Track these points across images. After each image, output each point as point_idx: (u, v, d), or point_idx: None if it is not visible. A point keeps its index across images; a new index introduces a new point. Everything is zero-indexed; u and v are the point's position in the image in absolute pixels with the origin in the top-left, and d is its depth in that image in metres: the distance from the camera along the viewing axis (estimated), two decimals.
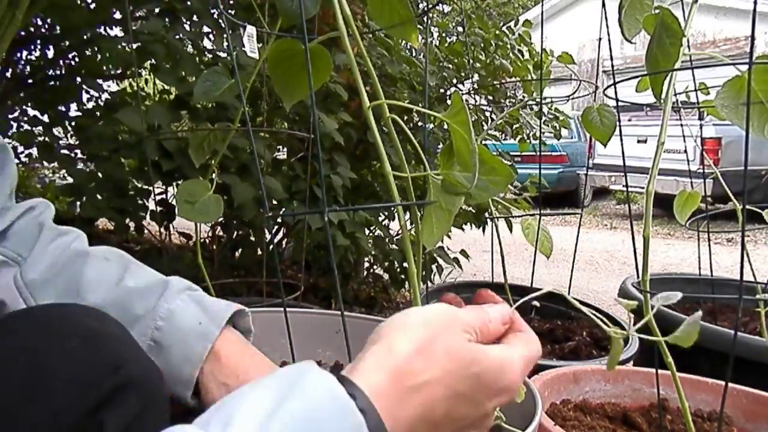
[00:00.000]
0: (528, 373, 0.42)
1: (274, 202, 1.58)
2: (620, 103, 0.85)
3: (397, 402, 0.33)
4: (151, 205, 1.57)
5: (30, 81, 2.14)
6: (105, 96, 2.52)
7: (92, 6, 1.91)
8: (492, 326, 0.42)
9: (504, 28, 2.07)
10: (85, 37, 2.06)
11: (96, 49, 1.94)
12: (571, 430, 0.82)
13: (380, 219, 2.07)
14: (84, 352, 0.44)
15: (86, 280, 0.59)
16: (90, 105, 2.55)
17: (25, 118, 2.39)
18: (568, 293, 1.50)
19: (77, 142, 1.84)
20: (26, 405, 0.28)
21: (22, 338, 0.44)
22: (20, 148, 2.26)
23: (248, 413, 0.29)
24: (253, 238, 1.91)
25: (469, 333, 0.39)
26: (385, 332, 0.37)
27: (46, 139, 2.10)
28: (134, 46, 1.34)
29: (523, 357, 0.41)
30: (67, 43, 2.10)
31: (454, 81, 2.07)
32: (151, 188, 1.45)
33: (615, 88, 0.81)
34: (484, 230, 2.03)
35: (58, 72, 2.15)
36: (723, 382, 0.67)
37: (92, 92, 2.52)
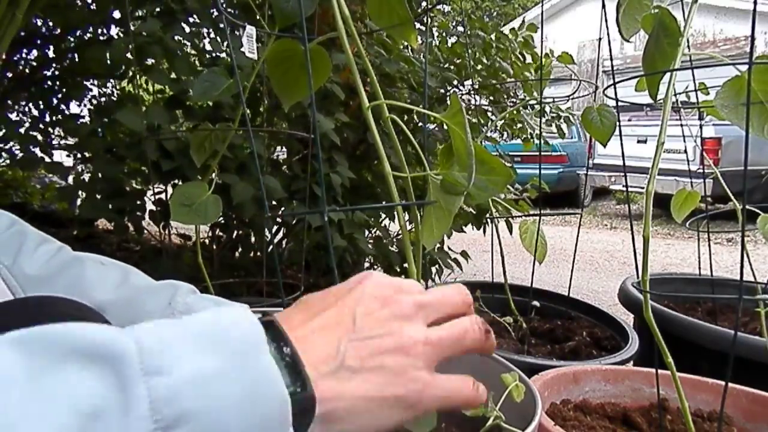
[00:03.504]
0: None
1: (274, 201, 1.58)
2: (620, 103, 0.85)
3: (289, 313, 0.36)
4: (151, 206, 1.57)
5: (30, 81, 2.14)
6: (104, 96, 2.52)
7: (92, 6, 1.91)
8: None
9: (507, 31, 2.07)
10: (85, 37, 2.06)
11: (94, 50, 1.94)
12: (571, 430, 0.82)
13: (380, 219, 2.07)
14: None
15: (89, 280, 0.57)
16: (90, 105, 2.56)
17: (25, 118, 2.39)
18: (568, 293, 1.50)
19: (76, 142, 1.84)
20: None
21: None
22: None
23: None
24: (252, 238, 1.91)
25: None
26: None
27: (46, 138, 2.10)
28: (131, 46, 1.34)
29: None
30: (67, 43, 2.11)
31: (455, 82, 2.07)
32: (150, 188, 1.45)
33: (615, 88, 0.81)
34: (484, 231, 2.03)
35: (58, 72, 2.15)
36: (723, 382, 0.67)
37: (92, 92, 2.52)
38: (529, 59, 2.08)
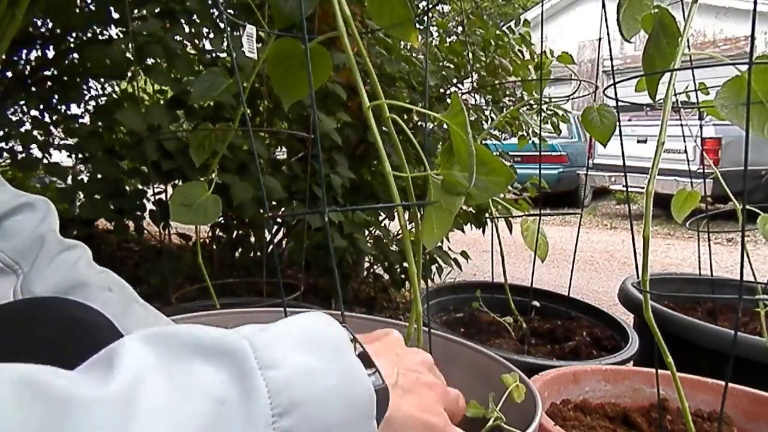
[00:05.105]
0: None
1: (274, 202, 1.58)
2: (620, 103, 0.85)
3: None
4: (151, 206, 1.57)
5: (30, 81, 2.14)
6: (104, 96, 2.52)
7: (92, 6, 1.91)
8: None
9: (504, 28, 2.07)
10: (85, 38, 2.06)
11: (94, 50, 1.93)
12: (571, 430, 0.82)
13: (380, 219, 2.07)
14: (62, 339, 0.43)
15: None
16: (90, 105, 2.56)
17: (26, 119, 2.39)
18: (568, 293, 1.50)
19: (76, 142, 1.84)
20: None
21: None
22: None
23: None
24: (252, 238, 1.91)
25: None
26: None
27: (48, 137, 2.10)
28: (131, 46, 1.34)
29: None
30: (67, 43, 2.10)
31: (454, 81, 2.07)
32: (150, 188, 1.45)
33: (615, 88, 0.81)
34: (484, 231, 2.03)
35: (58, 72, 2.15)
36: (723, 382, 0.67)
37: (93, 92, 2.52)
38: (527, 56, 2.08)
